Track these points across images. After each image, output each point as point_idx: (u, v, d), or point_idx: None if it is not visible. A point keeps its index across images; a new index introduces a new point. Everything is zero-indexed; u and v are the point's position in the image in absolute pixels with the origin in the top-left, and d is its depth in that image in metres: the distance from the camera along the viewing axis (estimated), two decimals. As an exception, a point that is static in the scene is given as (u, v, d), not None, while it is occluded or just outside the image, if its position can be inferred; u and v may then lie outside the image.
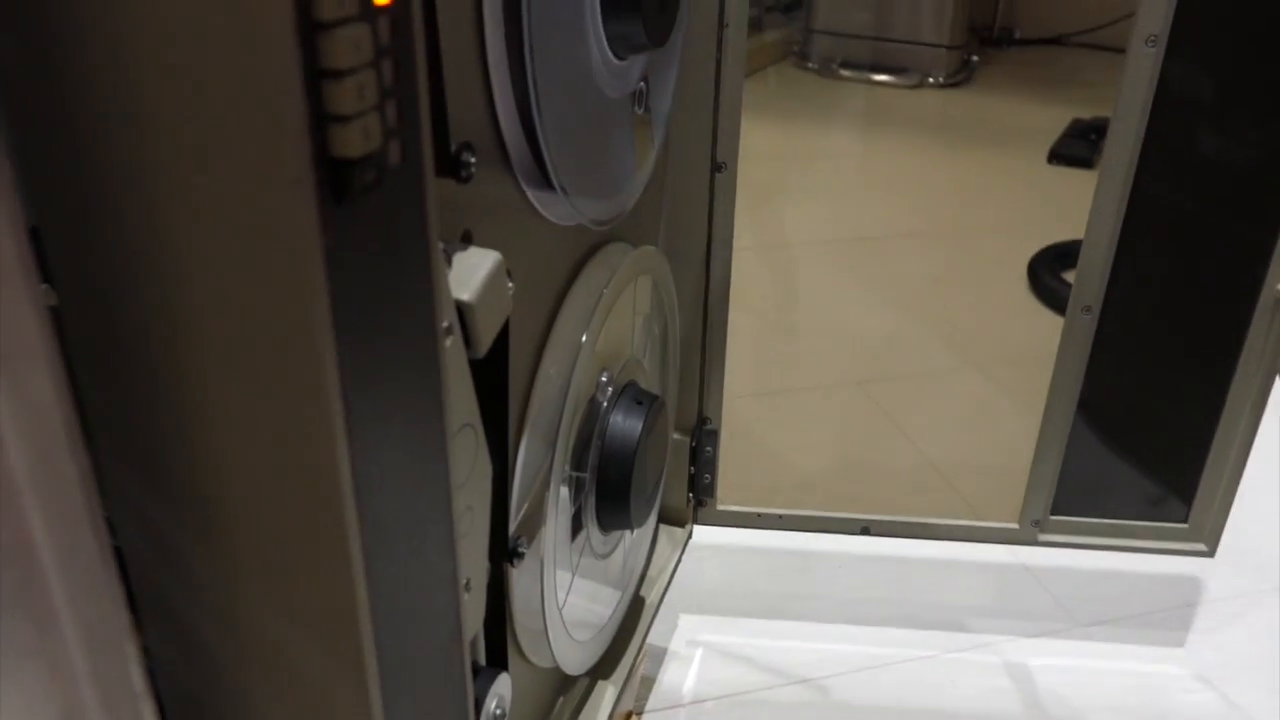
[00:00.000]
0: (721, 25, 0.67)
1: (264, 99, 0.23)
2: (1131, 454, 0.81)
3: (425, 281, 0.30)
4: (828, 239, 1.38)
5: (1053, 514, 0.80)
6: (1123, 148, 0.67)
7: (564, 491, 0.54)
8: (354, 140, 0.24)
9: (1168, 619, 0.81)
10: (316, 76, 0.23)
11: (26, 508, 0.23)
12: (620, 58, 0.50)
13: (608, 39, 0.48)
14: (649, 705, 0.75)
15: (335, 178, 0.24)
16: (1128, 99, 0.66)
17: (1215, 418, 0.76)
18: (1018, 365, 1.11)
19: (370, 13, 0.24)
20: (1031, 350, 1.13)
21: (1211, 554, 0.80)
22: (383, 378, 0.29)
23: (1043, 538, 0.81)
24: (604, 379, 0.58)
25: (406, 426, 0.31)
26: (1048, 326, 1.17)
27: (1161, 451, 0.81)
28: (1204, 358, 0.75)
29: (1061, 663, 0.79)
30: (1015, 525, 0.81)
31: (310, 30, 0.23)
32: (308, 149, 0.23)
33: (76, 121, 0.25)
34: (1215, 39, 0.66)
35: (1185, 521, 0.80)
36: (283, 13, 0.22)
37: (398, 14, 0.26)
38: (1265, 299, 0.71)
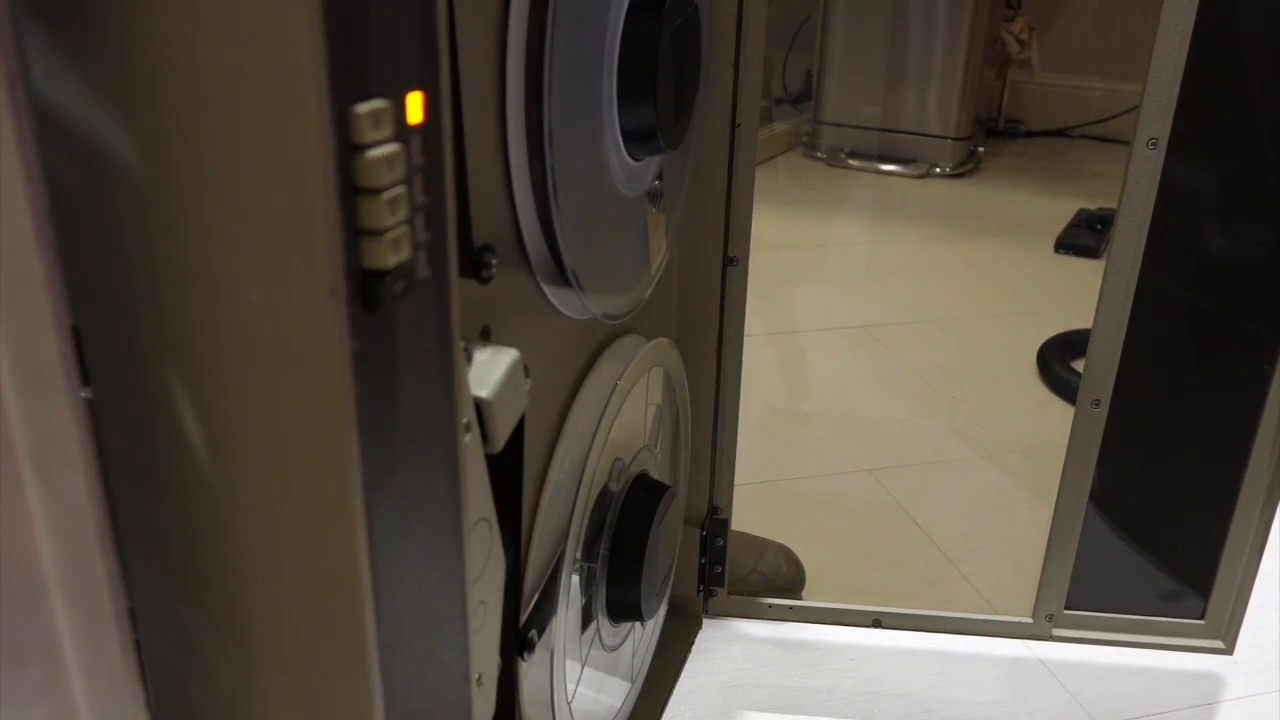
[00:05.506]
0: (734, 125, 0.69)
1: (302, 214, 0.24)
2: (1146, 548, 0.80)
3: (446, 382, 0.31)
4: (836, 326, 1.40)
5: (1067, 608, 0.79)
6: (1128, 245, 0.68)
7: (575, 582, 0.54)
8: (385, 253, 0.25)
9: (1187, 719, 0.80)
10: (352, 194, 0.24)
11: (54, 607, 0.24)
12: (636, 159, 0.52)
13: (624, 143, 0.49)
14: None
15: (366, 288, 0.25)
16: (1131, 197, 0.67)
17: (1229, 512, 0.75)
18: (1029, 454, 1.11)
19: (404, 133, 0.26)
20: (1042, 439, 1.13)
21: (1230, 651, 0.79)
22: (403, 476, 0.29)
23: (1057, 633, 0.80)
24: (616, 468, 0.59)
25: (425, 523, 0.31)
26: (1058, 415, 1.17)
27: (1176, 546, 0.80)
28: (1215, 452, 0.75)
29: (1080, 763, 0.77)
30: (1029, 619, 0.80)
31: (347, 151, 0.24)
32: (342, 261, 0.24)
33: (121, 226, 0.26)
34: (1217, 141, 0.68)
35: (1202, 618, 0.79)
36: (322, 135, 0.24)
37: (429, 132, 0.27)
38: (1275, 393, 0.71)
